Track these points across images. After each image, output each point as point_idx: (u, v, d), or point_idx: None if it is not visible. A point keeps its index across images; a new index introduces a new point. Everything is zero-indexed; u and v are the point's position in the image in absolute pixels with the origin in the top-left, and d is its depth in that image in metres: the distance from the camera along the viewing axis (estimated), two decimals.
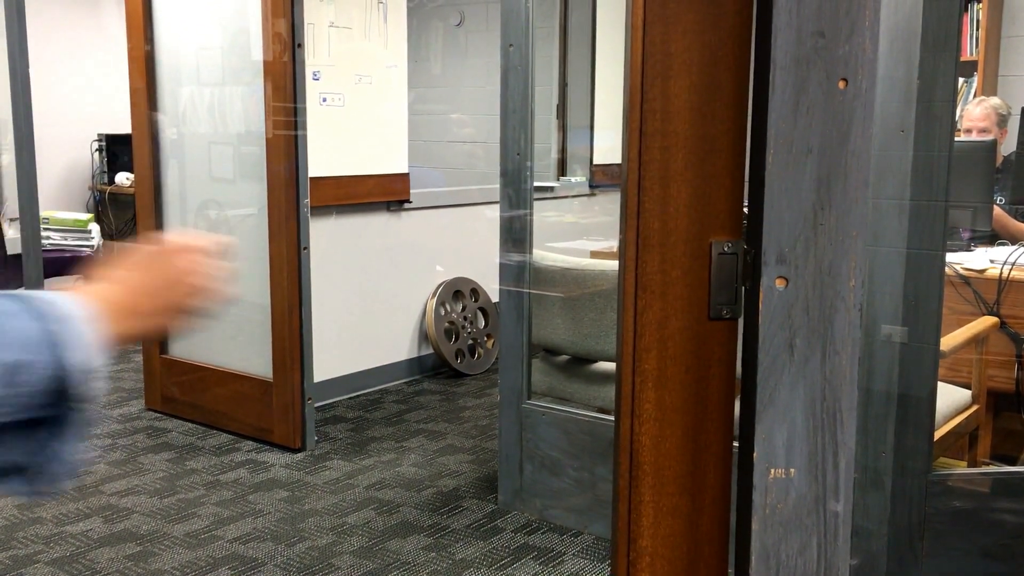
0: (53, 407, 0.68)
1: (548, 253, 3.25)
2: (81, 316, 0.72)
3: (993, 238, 3.59)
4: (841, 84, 0.90)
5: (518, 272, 3.17)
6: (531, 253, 3.16)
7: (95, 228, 5.70)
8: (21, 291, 0.71)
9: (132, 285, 0.83)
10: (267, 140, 3.69)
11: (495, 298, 4.59)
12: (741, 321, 0.99)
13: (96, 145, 6.57)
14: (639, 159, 0.97)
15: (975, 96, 4.69)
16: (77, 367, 0.69)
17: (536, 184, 3.28)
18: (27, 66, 4.74)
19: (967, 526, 2.40)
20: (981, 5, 4.90)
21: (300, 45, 3.60)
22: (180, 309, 0.87)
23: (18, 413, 0.66)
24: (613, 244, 4.30)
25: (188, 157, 4.11)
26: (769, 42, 0.89)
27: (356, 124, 4.33)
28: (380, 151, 4.49)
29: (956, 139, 2.55)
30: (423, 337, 4.88)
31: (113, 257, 0.88)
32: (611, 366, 3.23)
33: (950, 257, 3.04)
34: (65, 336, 0.69)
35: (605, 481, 3.01)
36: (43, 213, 5.30)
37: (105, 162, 6.54)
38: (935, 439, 2.44)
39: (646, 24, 0.96)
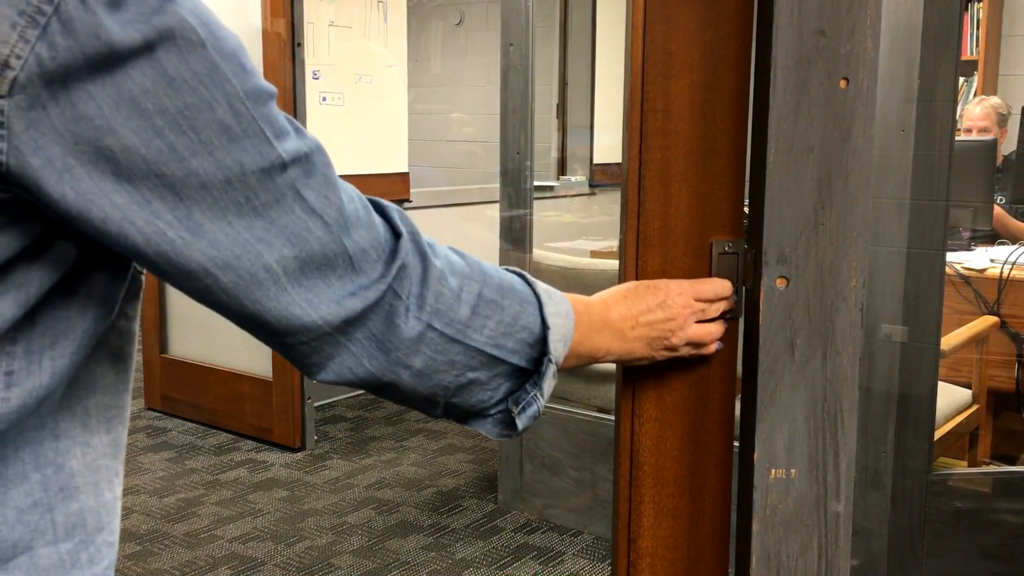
0: (534, 361, 0.81)
1: (548, 252, 3.24)
2: (562, 298, 0.84)
3: (993, 238, 3.59)
4: (842, 83, 0.89)
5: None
6: (531, 252, 3.16)
7: None
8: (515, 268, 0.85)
9: (623, 307, 0.90)
10: None
11: None
12: (742, 321, 0.99)
13: None
14: (639, 158, 0.97)
15: (975, 95, 4.69)
16: (555, 330, 0.81)
17: (536, 183, 3.27)
18: None
19: (967, 526, 2.39)
20: (981, 4, 4.90)
21: (300, 44, 3.59)
22: (662, 347, 0.93)
23: (512, 356, 0.79)
24: (613, 243, 4.30)
25: None
26: (770, 41, 0.89)
27: (356, 123, 4.33)
28: (380, 150, 4.48)
29: (956, 138, 2.54)
30: None
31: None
32: (611, 366, 3.22)
33: (950, 257, 3.04)
34: (548, 304, 0.82)
35: (605, 481, 3.01)
36: None
37: None
38: (935, 439, 2.44)
39: (646, 23, 0.95)
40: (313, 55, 4.05)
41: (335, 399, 4.45)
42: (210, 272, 0.63)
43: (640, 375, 1.00)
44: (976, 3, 4.90)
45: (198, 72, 0.59)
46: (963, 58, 4.73)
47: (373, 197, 0.75)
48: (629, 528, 1.02)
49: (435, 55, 6.81)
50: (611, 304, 0.91)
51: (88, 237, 0.62)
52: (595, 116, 5.85)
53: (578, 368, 3.24)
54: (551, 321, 0.81)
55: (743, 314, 0.98)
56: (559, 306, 0.83)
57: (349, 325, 0.70)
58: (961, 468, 2.93)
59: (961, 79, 4.80)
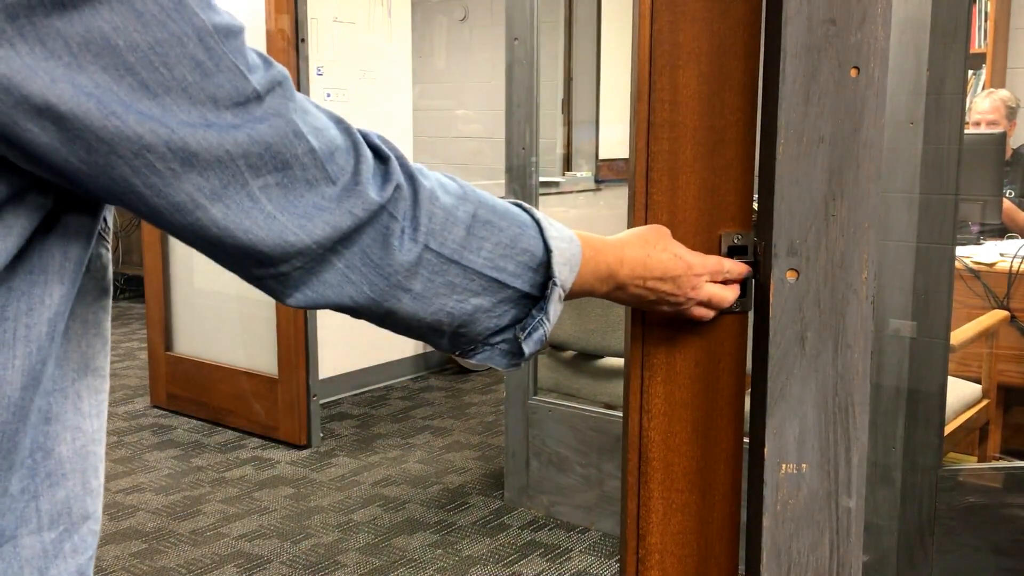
0: (539, 286, 0.80)
1: None
2: (564, 227, 0.84)
3: (1003, 231, 3.57)
4: (853, 72, 0.88)
5: None
6: None
7: None
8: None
9: (638, 266, 0.89)
10: None
11: None
12: (751, 314, 0.97)
13: None
14: (647, 150, 0.96)
15: (983, 88, 4.67)
16: (559, 254, 0.80)
17: (541, 179, 3.26)
18: None
19: (978, 521, 2.38)
20: None
21: (303, 40, 3.58)
22: (652, 307, 0.93)
23: (514, 279, 0.78)
24: None
25: None
26: (779, 30, 0.88)
27: (360, 119, 4.30)
28: None
29: (965, 132, 2.53)
30: None
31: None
32: (617, 362, 3.21)
33: (959, 251, 3.02)
34: (549, 229, 0.81)
35: (612, 477, 3.00)
36: None
37: None
38: (945, 434, 2.43)
39: (654, 12, 0.94)
40: (317, 51, 4.04)
41: (341, 396, 4.45)
42: (200, 204, 0.62)
43: (648, 369, 0.99)
44: None
45: (165, 6, 0.58)
46: (971, 51, 4.70)
47: (353, 126, 0.74)
48: (638, 524, 1.01)
49: (439, 51, 6.80)
50: (625, 258, 0.89)
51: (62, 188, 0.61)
52: (600, 111, 5.83)
53: (584, 365, 3.20)
54: (553, 244, 0.80)
55: (753, 307, 0.96)
56: (561, 232, 0.82)
57: (342, 246, 0.69)
58: (971, 463, 2.91)
59: (969, 72, 4.77)
